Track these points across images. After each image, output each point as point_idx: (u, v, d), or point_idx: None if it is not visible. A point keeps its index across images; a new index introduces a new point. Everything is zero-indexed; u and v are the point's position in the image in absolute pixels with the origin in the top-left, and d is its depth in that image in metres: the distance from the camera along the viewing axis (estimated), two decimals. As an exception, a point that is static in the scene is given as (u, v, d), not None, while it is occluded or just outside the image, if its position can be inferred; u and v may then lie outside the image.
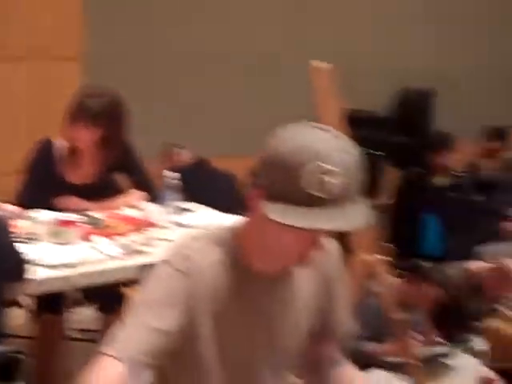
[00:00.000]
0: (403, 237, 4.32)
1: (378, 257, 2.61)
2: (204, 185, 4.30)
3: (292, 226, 1.30)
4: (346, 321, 1.72)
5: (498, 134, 5.67)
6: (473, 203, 4.89)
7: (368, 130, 5.54)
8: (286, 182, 1.30)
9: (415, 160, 5.01)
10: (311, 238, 1.37)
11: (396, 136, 5.61)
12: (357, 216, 1.34)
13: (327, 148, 1.30)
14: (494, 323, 3.09)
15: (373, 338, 3.33)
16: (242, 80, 5.74)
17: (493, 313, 3.26)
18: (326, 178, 1.28)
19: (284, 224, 1.30)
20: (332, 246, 1.62)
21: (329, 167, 1.28)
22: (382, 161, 5.58)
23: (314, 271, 1.57)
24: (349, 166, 1.31)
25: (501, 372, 2.89)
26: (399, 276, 3.59)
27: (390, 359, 3.09)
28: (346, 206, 1.30)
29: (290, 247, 1.38)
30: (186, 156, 4.72)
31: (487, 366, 3.02)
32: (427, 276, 4.11)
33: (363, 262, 2.58)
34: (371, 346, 3.34)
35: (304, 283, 1.55)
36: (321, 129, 1.35)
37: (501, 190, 5.34)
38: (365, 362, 3.05)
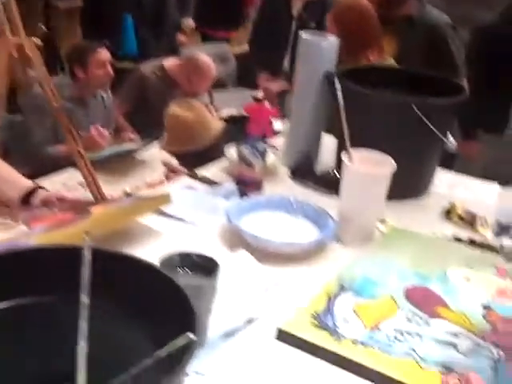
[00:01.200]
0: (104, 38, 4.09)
1: (31, 39, 2.35)
2: None
3: None
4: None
5: None
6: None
7: None
8: None
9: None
10: None
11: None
12: None
13: None
14: (174, 110, 3.09)
15: (54, 139, 3.18)
16: None
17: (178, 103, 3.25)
18: None
19: None
20: None
21: None
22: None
23: None
24: None
25: (176, 155, 2.95)
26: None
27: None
28: None
29: None
30: None
31: (167, 151, 3.05)
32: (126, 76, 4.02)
33: (14, 45, 2.30)
34: (55, 148, 3.20)
35: None
36: None
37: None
38: (55, 166, 2.93)
